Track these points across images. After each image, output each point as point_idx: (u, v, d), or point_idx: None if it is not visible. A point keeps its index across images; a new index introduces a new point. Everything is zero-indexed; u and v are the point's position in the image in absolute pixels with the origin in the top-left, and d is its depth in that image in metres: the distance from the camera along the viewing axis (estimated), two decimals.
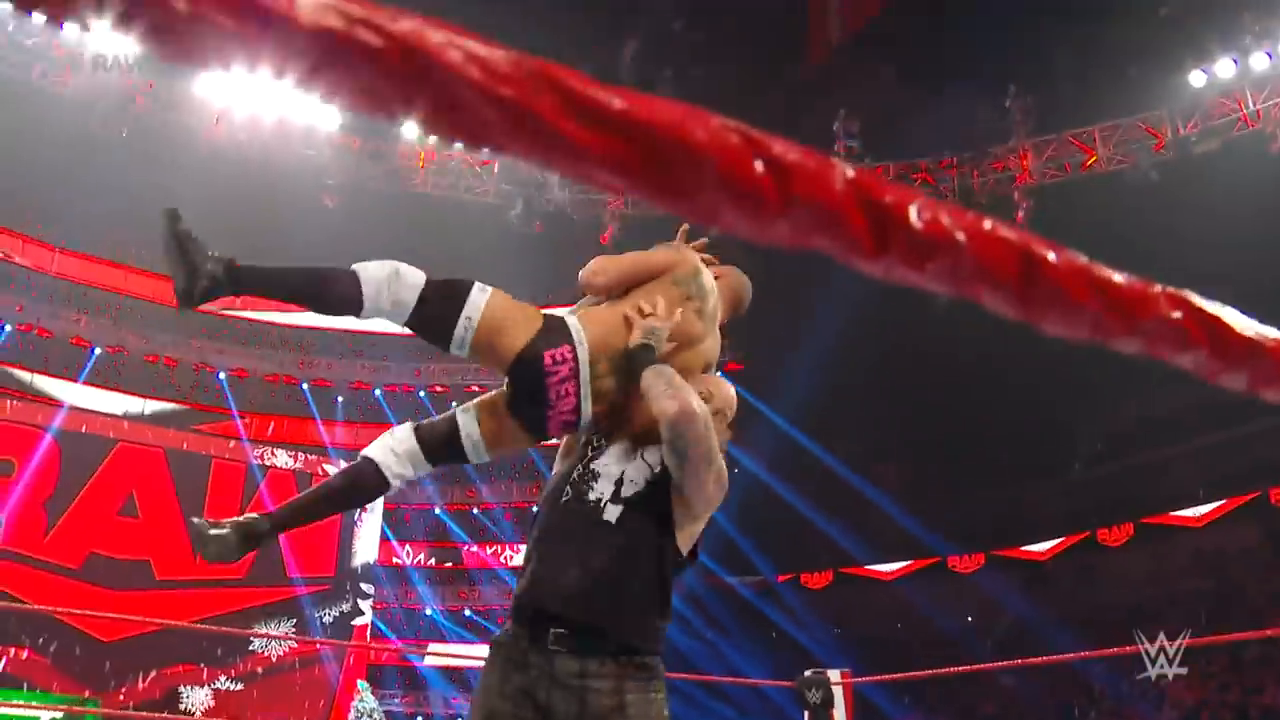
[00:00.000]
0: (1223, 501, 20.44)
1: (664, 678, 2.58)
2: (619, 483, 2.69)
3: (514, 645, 2.60)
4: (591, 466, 2.75)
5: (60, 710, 21.86)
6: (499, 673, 2.59)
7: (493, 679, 2.60)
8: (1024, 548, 23.23)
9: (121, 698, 22.81)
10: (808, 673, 6.46)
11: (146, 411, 26.35)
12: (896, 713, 22.49)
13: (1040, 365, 23.84)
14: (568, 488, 2.73)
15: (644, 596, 2.61)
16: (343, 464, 24.40)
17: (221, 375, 27.67)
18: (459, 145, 24.34)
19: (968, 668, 6.44)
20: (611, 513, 2.64)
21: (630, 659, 2.52)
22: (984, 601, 23.00)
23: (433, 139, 24.47)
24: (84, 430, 24.09)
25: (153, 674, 23.38)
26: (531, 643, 2.56)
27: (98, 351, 26.00)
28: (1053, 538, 22.87)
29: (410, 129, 24.41)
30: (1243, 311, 0.93)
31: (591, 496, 2.69)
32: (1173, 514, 21.22)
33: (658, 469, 2.68)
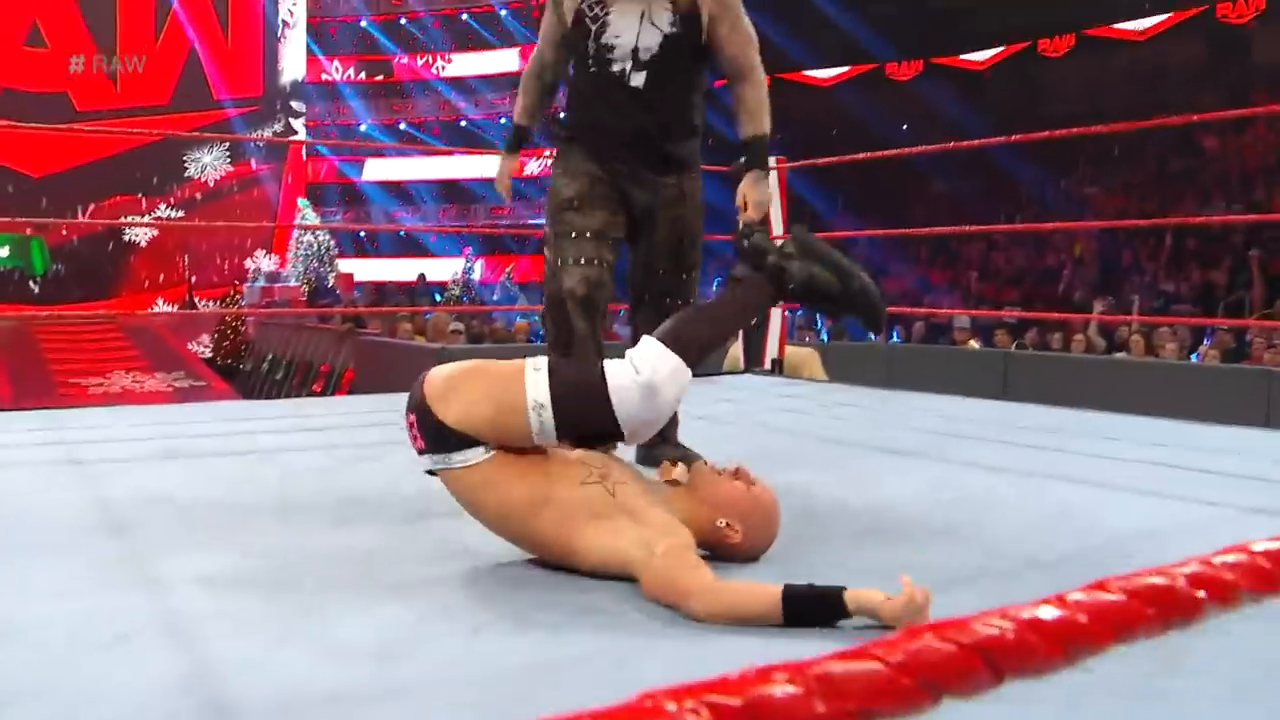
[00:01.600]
0: (1167, 15, 20.01)
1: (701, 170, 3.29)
2: (635, 51, 3.05)
3: (589, 148, 3.17)
4: (603, 40, 3.07)
5: (5, 250, 22.05)
6: (584, 156, 3.17)
7: (576, 159, 3.18)
8: (963, 56, 22.87)
9: (64, 233, 22.92)
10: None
11: None
12: (830, 214, 23.18)
13: None
14: (590, 61, 3.12)
15: (683, 128, 3.18)
16: None
17: None
18: None
19: (889, 152, 6.58)
20: (637, 79, 3.08)
21: (684, 170, 3.20)
22: (921, 108, 22.95)
23: None
24: None
25: (90, 207, 23.34)
26: (608, 160, 3.15)
27: None
28: (993, 46, 22.50)
29: None
30: None
31: (615, 69, 3.08)
32: (1115, 26, 20.82)
33: (668, 30, 3.04)
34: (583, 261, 3.11)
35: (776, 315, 6.40)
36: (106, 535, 2.33)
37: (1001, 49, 22.44)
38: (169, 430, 4.00)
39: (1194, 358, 9.42)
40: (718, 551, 2.16)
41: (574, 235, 3.13)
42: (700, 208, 3.25)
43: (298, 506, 2.62)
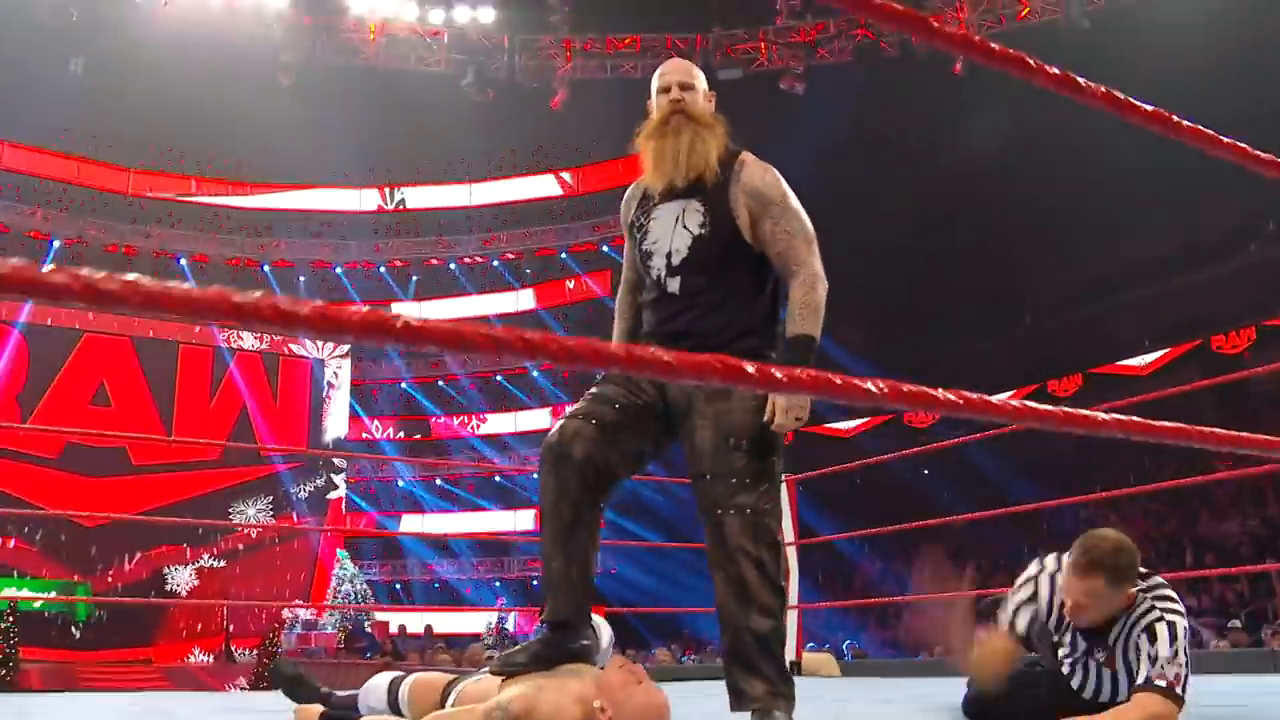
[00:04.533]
0: (1166, 350, 21.23)
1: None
2: (668, 256, 2.97)
3: None
4: (644, 247, 3.03)
5: (52, 596, 22.55)
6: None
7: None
8: None
9: (110, 580, 23.47)
10: None
11: None
12: (857, 558, 23.61)
13: (991, 228, 24.43)
14: (640, 269, 3.09)
15: (732, 329, 2.92)
16: (309, 344, 24.60)
17: (182, 262, 27.74)
18: (408, 16, 23.83)
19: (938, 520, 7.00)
20: (673, 285, 2.97)
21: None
22: (941, 453, 23.74)
23: (382, 11, 24.28)
24: (49, 324, 24.22)
25: (138, 556, 24.02)
26: None
27: (56, 244, 25.99)
28: (1005, 390, 23.58)
29: (359, 2, 24.19)
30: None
31: (654, 275, 3.01)
32: (1119, 364, 22.01)
33: (697, 231, 2.95)
34: (568, 415, 3.00)
35: (793, 618, 6.79)
36: None
37: (1013, 392, 23.53)
38: None
39: None
40: None
41: (584, 397, 3.06)
42: (754, 407, 2.84)
43: None
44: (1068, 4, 21.05)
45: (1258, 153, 1.55)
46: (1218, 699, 3.60)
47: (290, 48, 23.45)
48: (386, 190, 30.06)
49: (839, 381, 0.92)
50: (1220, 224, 22.68)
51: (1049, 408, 1.18)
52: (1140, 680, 2.74)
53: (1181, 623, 2.81)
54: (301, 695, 2.95)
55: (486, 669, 2.82)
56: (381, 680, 3.00)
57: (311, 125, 24.99)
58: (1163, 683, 2.69)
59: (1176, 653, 2.74)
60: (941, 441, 23.55)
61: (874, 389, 0.93)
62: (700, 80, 3.10)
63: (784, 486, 5.18)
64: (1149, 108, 1.45)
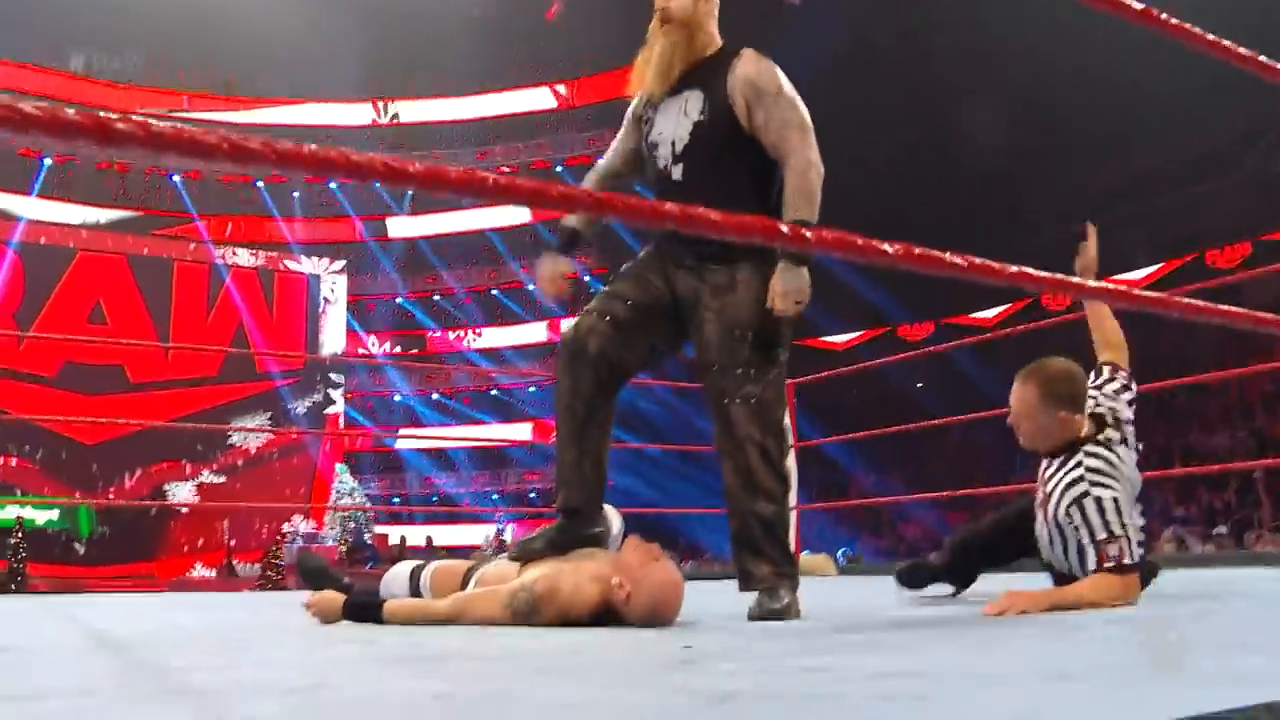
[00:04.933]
0: (1162, 264, 21.31)
1: (773, 261, 2.95)
2: (672, 144, 3.05)
3: (653, 246, 3.15)
4: (649, 139, 3.13)
5: (54, 513, 22.80)
6: (648, 252, 3.15)
7: (644, 256, 3.15)
8: (972, 315, 24.10)
9: (111, 497, 23.69)
10: None
11: (104, 220, 26.40)
12: (851, 466, 23.89)
13: (990, 144, 24.33)
14: (647, 162, 3.17)
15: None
16: (303, 259, 24.65)
17: (176, 179, 27.64)
18: None
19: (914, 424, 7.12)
20: (677, 172, 3.05)
21: (738, 260, 2.97)
22: (934, 366, 23.96)
23: None
24: (43, 242, 24.23)
25: (138, 473, 24.24)
26: (661, 248, 3.11)
27: (48, 163, 25.84)
28: (1000, 304, 23.76)
29: None
30: None
31: (660, 165, 3.09)
32: (1116, 278, 22.05)
33: (697, 118, 3.03)
34: (584, 311, 3.11)
35: (792, 520, 6.89)
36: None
37: (1008, 305, 23.67)
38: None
39: None
40: (616, 608, 2.56)
41: (598, 294, 3.19)
42: (757, 300, 2.94)
43: None
44: None
45: (1262, 58, 1.62)
46: (1197, 585, 3.73)
47: None
48: (380, 104, 29.88)
49: (860, 242, 1.00)
50: (1216, 141, 22.64)
51: (1060, 276, 1.26)
52: (1090, 567, 2.83)
53: (1109, 495, 2.86)
54: (325, 586, 3.06)
55: (505, 554, 2.93)
56: (403, 569, 3.11)
57: (306, 39, 24.83)
58: (1109, 564, 2.79)
59: (1109, 527, 2.81)
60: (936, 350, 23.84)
61: (890, 250, 1.02)
62: None
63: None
64: (1139, 6, 1.50)
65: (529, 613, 2.54)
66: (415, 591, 3.02)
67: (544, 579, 2.56)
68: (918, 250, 1.03)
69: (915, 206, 25.85)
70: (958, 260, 1.06)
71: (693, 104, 3.04)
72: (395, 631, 2.55)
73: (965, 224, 25.68)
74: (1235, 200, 22.16)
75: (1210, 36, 1.58)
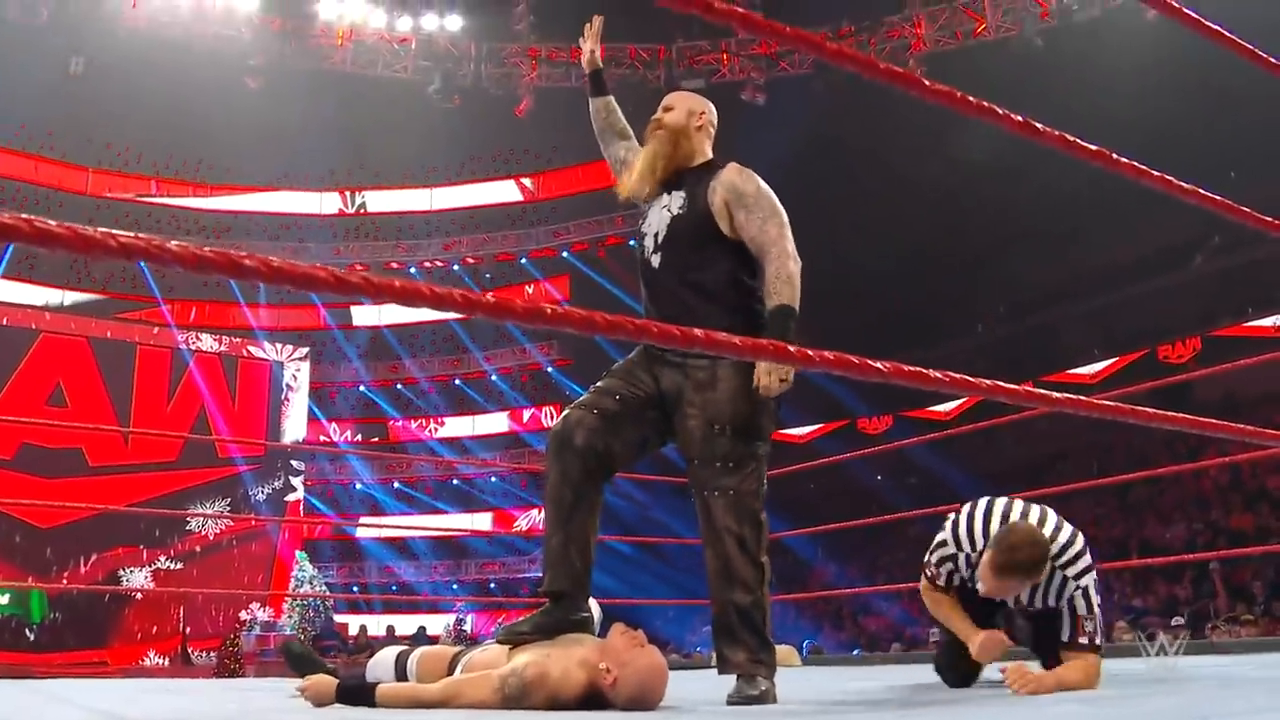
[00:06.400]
0: (1115, 359, 21.74)
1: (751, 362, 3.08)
2: (655, 235, 3.31)
3: (636, 355, 3.31)
4: (640, 228, 3.40)
5: (5, 597, 22.46)
6: (628, 360, 3.33)
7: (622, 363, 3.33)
8: (930, 408, 24.38)
9: (65, 582, 23.36)
10: None
11: (67, 302, 26.39)
12: (813, 559, 23.93)
13: (943, 239, 24.85)
14: (639, 253, 3.40)
15: (712, 309, 3.17)
16: (266, 345, 24.62)
17: (141, 262, 27.61)
18: (376, 22, 23.84)
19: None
20: (655, 261, 3.30)
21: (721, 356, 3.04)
22: (893, 458, 24.16)
23: (350, 17, 24.38)
24: (4, 323, 24.14)
25: (93, 558, 23.94)
26: (646, 352, 3.26)
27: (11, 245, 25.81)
28: (956, 398, 24.06)
29: (328, 7, 24.27)
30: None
31: (646, 255, 3.33)
32: (1069, 372, 22.48)
33: (677, 211, 3.28)
34: (573, 406, 3.27)
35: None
36: None
37: (964, 399, 23.96)
38: None
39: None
40: (603, 693, 2.67)
41: (590, 389, 3.34)
42: (738, 395, 3.07)
43: None
44: (1024, 22, 21.48)
45: (1181, 183, 1.81)
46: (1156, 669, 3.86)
47: (259, 51, 23.46)
48: (348, 193, 30.16)
49: (855, 361, 1.16)
50: (1168, 237, 23.22)
51: (1029, 389, 1.42)
52: (1066, 638, 3.11)
53: (1094, 584, 3.19)
54: (311, 671, 3.15)
55: (491, 640, 3.04)
56: (388, 654, 3.22)
57: (276, 129, 25.05)
58: (1085, 640, 3.09)
59: (1092, 609, 3.13)
60: (894, 445, 24.06)
61: (882, 368, 1.18)
62: (683, 102, 3.51)
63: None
64: (1056, 132, 1.68)
65: (519, 697, 2.65)
66: (402, 676, 3.11)
67: (533, 665, 2.67)
68: (906, 367, 1.19)
69: (869, 297, 26.29)
70: (939, 375, 1.21)
71: (675, 202, 3.30)
72: (389, 715, 2.64)
73: (917, 313, 26.17)
74: (1186, 296, 22.68)
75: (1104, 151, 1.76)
